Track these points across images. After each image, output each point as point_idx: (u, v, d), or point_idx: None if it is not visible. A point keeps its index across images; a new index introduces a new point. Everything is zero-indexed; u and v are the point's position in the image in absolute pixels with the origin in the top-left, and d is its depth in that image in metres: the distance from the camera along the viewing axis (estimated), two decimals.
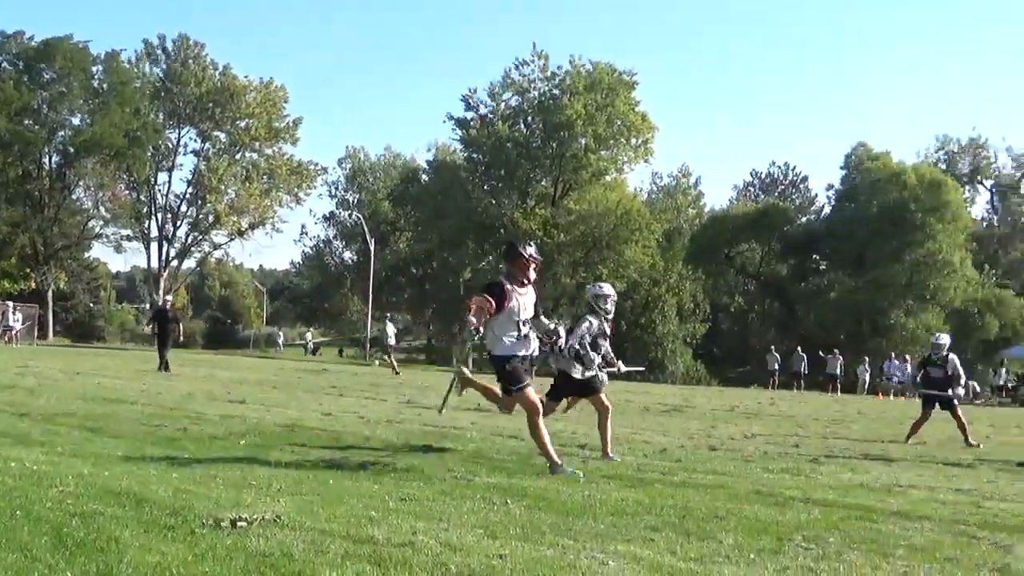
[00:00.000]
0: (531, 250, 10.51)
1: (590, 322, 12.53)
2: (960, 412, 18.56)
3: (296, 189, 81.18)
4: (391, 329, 40.15)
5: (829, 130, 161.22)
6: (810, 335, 62.42)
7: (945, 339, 19.50)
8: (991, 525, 8.30)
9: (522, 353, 10.40)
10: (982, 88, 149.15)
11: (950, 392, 18.62)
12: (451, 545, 6.09)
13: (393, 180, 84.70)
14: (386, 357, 39.95)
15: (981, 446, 17.71)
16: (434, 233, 71.90)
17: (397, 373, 36.64)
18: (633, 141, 68.52)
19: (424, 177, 79.06)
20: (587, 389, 12.49)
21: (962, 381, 19.19)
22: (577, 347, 12.19)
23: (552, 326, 11.21)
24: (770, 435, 17.65)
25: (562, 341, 11.66)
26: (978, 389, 48.00)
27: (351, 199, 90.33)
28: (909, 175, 66.07)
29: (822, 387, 48.58)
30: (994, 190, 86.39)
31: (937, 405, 18.55)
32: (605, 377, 12.52)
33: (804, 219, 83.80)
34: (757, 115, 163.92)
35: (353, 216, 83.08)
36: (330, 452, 11.32)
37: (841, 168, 73.36)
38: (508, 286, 10.24)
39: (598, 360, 12.38)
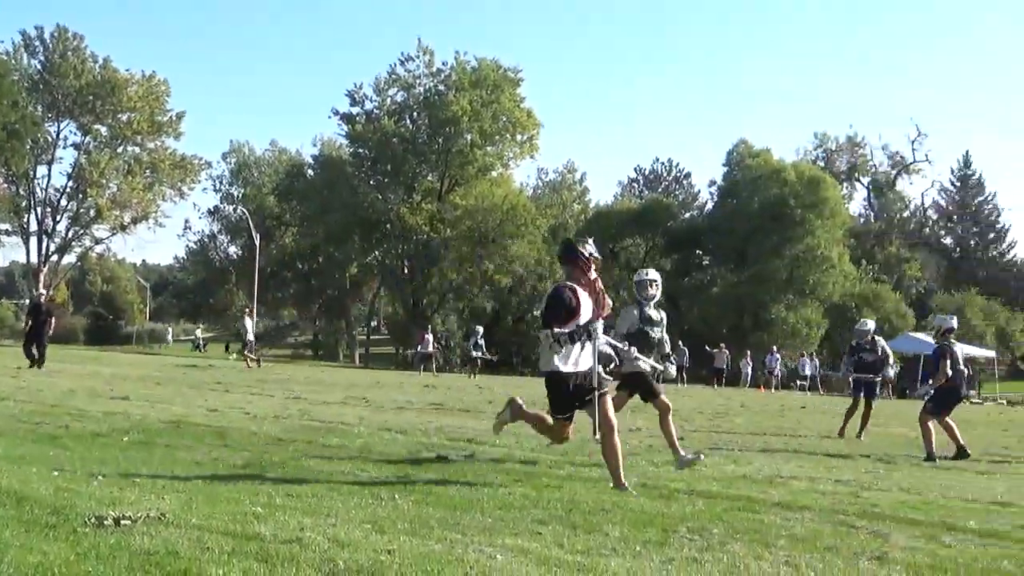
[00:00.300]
0: (590, 248, 9.38)
1: (631, 313, 12.25)
2: (874, 404, 19.29)
3: (180, 183, 79.76)
4: (250, 324, 39.72)
5: (711, 127, 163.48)
6: (694, 329, 63.24)
7: (870, 324, 20.01)
8: (869, 514, 8.50)
9: (583, 368, 9.13)
10: (859, 87, 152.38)
11: (880, 377, 19.37)
12: (339, 541, 6.06)
13: (279, 175, 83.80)
14: (245, 352, 39.31)
15: (865, 440, 18.22)
16: (320, 228, 71.42)
17: (250, 368, 36.20)
18: (519, 137, 68.83)
19: (310, 172, 78.38)
20: (645, 388, 12.20)
21: (891, 361, 20.00)
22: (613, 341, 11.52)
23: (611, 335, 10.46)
24: (654, 429, 17.82)
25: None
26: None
27: (236, 194, 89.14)
28: (789, 172, 67.15)
29: (705, 381, 49.19)
30: (870, 187, 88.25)
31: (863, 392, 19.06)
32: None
33: (687, 215, 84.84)
34: (641, 112, 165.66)
35: (238, 211, 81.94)
36: (216, 449, 11.17)
37: (723, 165, 74.39)
38: (578, 291, 9.12)
39: (635, 353, 11.50)
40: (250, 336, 39.23)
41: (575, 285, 9.13)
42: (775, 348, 52.03)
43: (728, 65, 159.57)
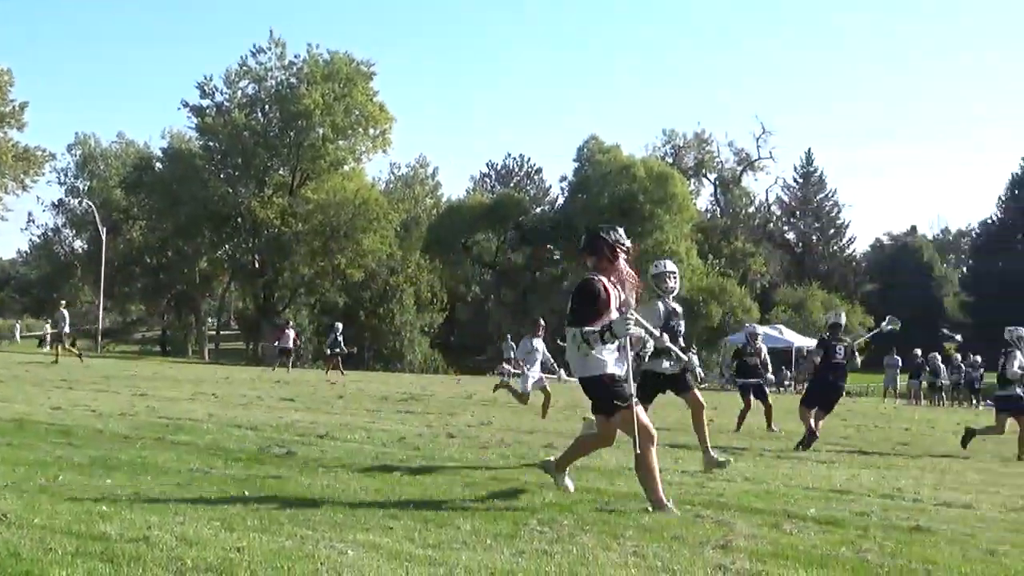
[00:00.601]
0: (616, 235, 8.64)
1: (656, 308, 11.84)
2: (770, 400, 20.42)
3: (22, 175, 77.44)
4: (65, 316, 38.77)
5: (562, 123, 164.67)
6: (545, 323, 63.58)
7: (761, 331, 20.49)
8: (714, 504, 8.69)
9: (621, 371, 8.41)
10: (706, 84, 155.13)
11: (763, 380, 20.00)
12: (187, 539, 6.00)
13: (126, 168, 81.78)
14: (59, 345, 38.39)
15: (781, 431, 19.15)
16: (169, 222, 69.99)
17: (56, 362, 35.49)
18: (371, 131, 68.41)
19: (158, 165, 76.65)
20: (677, 385, 11.93)
21: (768, 366, 21.17)
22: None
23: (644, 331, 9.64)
24: (506, 423, 17.95)
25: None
26: (703, 375, 49.87)
27: (81, 186, 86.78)
28: (638, 168, 68.02)
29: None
30: (717, 183, 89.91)
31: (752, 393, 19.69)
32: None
33: (539, 210, 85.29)
34: (493, 107, 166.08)
35: (83, 204, 79.91)
36: (60, 447, 10.91)
37: (574, 160, 74.99)
38: (607, 282, 8.42)
39: (667, 340, 11.29)
40: (66, 328, 38.30)
41: (604, 278, 8.40)
42: None
43: (579, 61, 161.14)
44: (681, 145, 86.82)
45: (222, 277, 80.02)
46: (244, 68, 67.95)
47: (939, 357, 43.59)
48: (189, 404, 18.10)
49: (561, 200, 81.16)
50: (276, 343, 46.29)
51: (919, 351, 43.97)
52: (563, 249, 73.09)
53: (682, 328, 12.04)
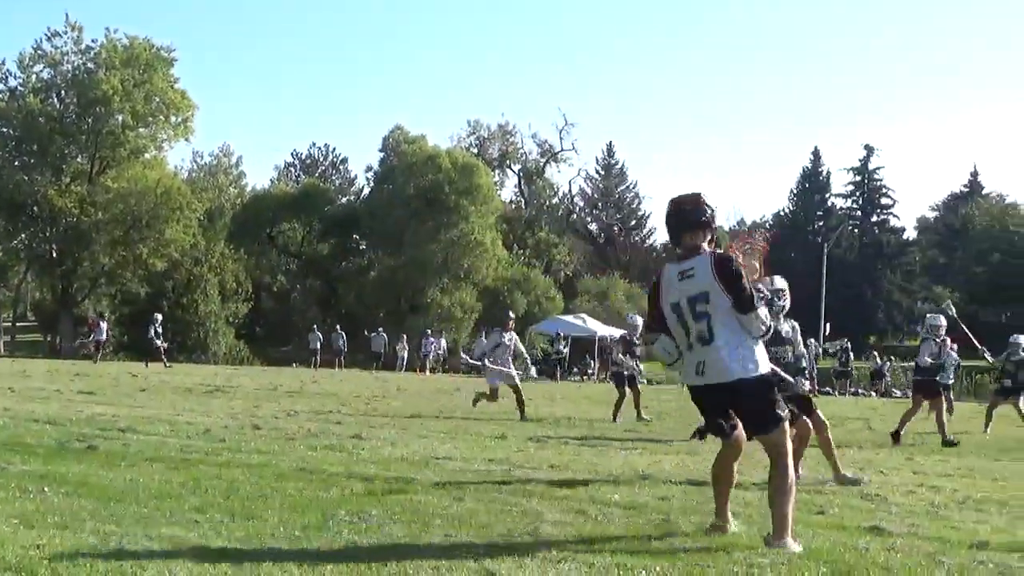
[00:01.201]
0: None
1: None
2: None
3: None
4: None
5: (367, 112, 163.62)
6: (351, 313, 63.43)
7: (638, 319, 20.88)
8: (521, 492, 8.83)
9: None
10: (510, 75, 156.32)
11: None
12: None
13: None
14: None
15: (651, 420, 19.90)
16: None
17: None
18: (173, 119, 66.91)
19: None
20: (802, 406, 10.83)
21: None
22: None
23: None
24: (313, 413, 17.85)
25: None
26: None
27: None
28: (443, 158, 68.14)
29: (363, 365, 49.43)
30: (521, 174, 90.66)
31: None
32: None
33: (344, 200, 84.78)
34: (297, 97, 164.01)
35: None
36: None
37: (379, 150, 74.68)
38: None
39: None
40: None
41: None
42: (430, 331, 52.90)
43: (384, 50, 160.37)
44: (486, 136, 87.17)
45: (17, 267, 77.22)
46: (38, 52, 65.57)
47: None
48: None
49: (367, 190, 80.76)
50: (91, 335, 45.04)
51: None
52: (369, 239, 72.81)
53: (790, 353, 10.97)
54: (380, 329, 51.15)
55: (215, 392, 23.15)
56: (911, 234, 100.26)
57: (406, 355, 51.68)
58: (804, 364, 11.43)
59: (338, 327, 51.82)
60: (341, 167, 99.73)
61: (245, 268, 68.49)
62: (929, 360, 17.42)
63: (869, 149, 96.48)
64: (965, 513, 8.82)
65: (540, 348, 57.16)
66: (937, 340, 17.69)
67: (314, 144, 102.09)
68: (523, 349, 19.58)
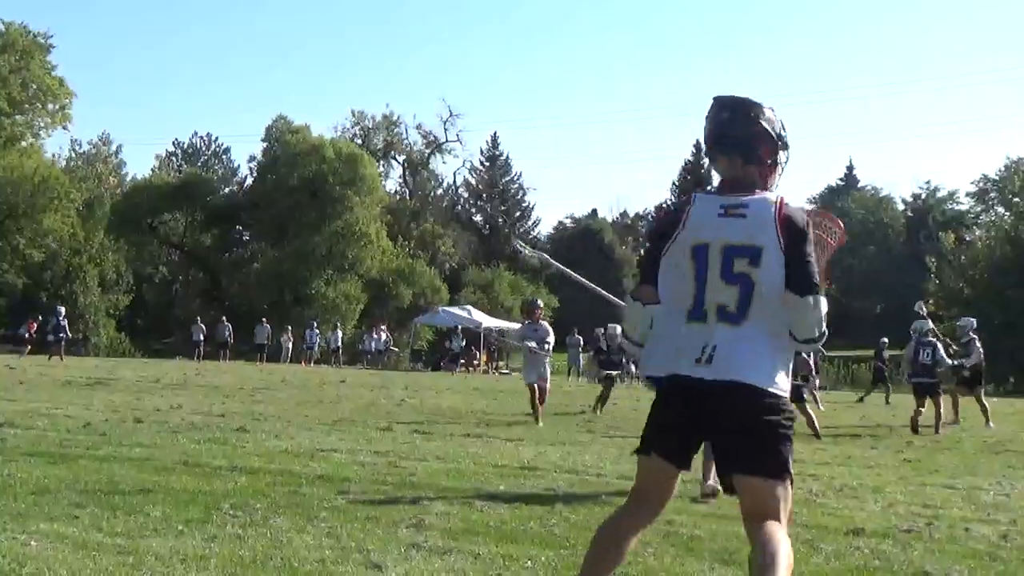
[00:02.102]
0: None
1: None
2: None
3: None
4: None
5: (249, 101, 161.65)
6: (235, 305, 62.77)
7: (617, 329, 21.79)
8: (407, 484, 8.88)
9: None
10: (394, 66, 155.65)
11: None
12: None
13: None
14: None
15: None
16: None
17: None
18: (50, 106, 65.62)
19: None
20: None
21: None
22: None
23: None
24: (197, 406, 17.65)
25: None
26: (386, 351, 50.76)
27: None
28: (328, 148, 67.66)
29: (248, 357, 48.97)
30: (406, 165, 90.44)
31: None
32: None
33: (227, 190, 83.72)
34: (178, 84, 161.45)
35: None
36: None
37: (262, 140, 73.90)
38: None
39: None
40: None
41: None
42: (315, 323, 52.62)
43: (267, 38, 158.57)
44: (370, 127, 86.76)
45: None
46: None
47: (617, 337, 45.26)
48: None
49: (250, 180, 79.88)
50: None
51: (600, 331, 45.56)
52: (252, 230, 72.11)
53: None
54: (264, 321, 50.70)
55: (96, 385, 22.74)
56: None
57: (291, 347, 51.32)
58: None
59: (224, 319, 51.26)
60: (224, 157, 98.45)
61: (126, 259, 67.45)
62: (951, 361, 19.03)
63: None
64: (842, 500, 9.06)
65: (425, 340, 57.16)
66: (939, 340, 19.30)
67: (196, 133, 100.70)
68: (552, 340, 18.11)
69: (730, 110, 4.67)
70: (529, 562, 5.94)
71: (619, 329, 21.92)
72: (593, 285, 8.71)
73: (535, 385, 17.56)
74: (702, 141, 4.84)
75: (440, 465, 10.42)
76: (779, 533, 4.31)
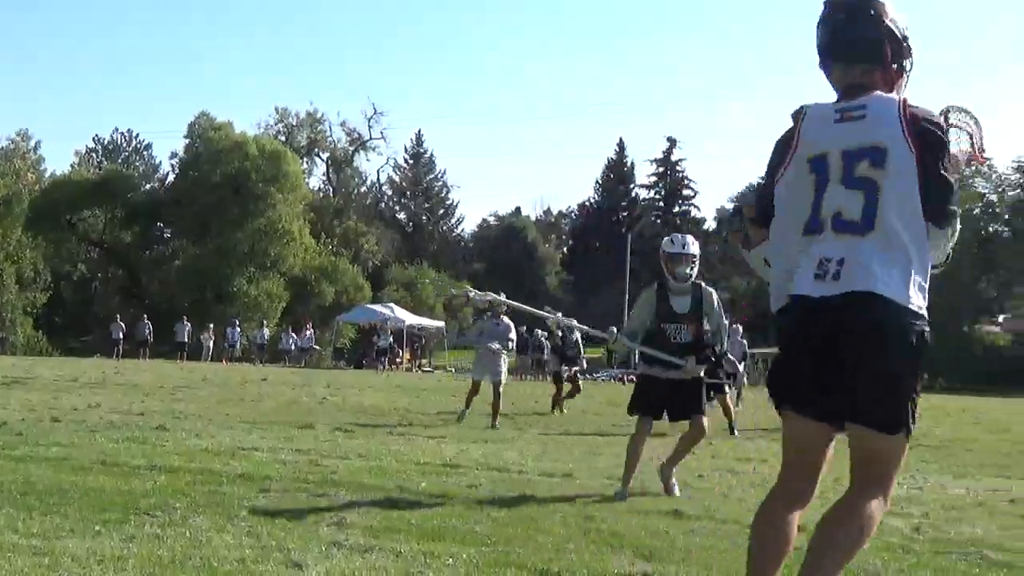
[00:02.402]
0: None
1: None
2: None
3: None
4: None
5: (173, 98, 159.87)
6: (155, 303, 62.16)
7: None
8: (328, 482, 8.84)
9: None
10: (319, 63, 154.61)
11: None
12: None
13: None
14: None
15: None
16: None
17: None
18: None
19: None
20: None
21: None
22: None
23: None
24: (115, 405, 17.45)
25: None
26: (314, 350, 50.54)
27: None
28: (251, 146, 67.25)
29: (168, 355, 48.55)
30: (329, 162, 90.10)
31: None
32: None
33: (148, 186, 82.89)
34: (98, 80, 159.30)
35: None
36: None
37: (185, 137, 73.20)
38: None
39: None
40: None
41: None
42: (237, 321, 52.32)
43: (189, 33, 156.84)
44: (294, 124, 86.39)
45: None
46: None
47: (543, 334, 45.46)
48: None
49: (172, 177, 79.10)
50: None
51: (524, 328, 45.75)
52: (174, 227, 71.43)
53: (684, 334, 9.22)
54: (185, 319, 50.27)
55: (12, 384, 22.39)
56: (711, 225, 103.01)
57: (212, 345, 50.95)
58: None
59: (144, 316, 50.76)
60: (145, 153, 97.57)
61: (44, 256, 66.57)
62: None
63: (672, 141, 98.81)
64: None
65: (348, 338, 57.01)
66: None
67: (117, 129, 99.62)
68: (513, 337, 17.52)
69: (848, 9, 4.10)
70: (451, 560, 5.93)
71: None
72: (556, 314, 9.07)
73: (481, 383, 17.24)
74: (816, 48, 4.18)
75: (362, 463, 10.40)
76: (873, 507, 3.87)
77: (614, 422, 17.77)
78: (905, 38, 4.07)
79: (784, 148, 4.11)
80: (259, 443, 11.86)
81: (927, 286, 3.84)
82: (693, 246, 9.42)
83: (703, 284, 9.53)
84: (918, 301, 3.78)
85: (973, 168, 4.94)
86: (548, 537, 6.72)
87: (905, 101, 3.92)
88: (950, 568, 6.40)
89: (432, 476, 9.55)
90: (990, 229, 61.26)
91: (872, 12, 4.02)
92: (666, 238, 9.77)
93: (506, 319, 17.40)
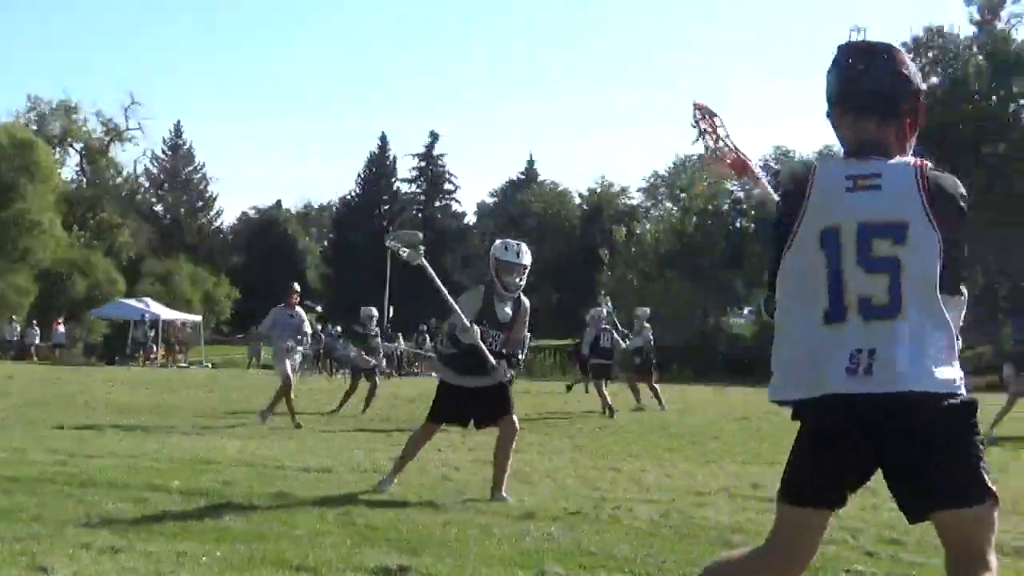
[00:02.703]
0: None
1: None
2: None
3: None
4: None
5: None
6: None
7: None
8: (78, 481, 8.69)
9: None
10: (71, 50, 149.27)
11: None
12: None
13: None
14: None
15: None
16: None
17: None
18: None
19: None
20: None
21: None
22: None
23: None
24: None
25: None
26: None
27: None
28: (1, 135, 64.96)
29: None
30: (84, 153, 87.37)
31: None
32: None
33: None
34: None
35: None
36: None
37: None
38: None
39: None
40: None
41: None
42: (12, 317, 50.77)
43: None
44: (46, 112, 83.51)
45: None
46: None
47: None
48: None
49: None
50: None
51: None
52: None
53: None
54: None
55: None
56: (472, 219, 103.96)
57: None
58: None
59: None
60: None
61: None
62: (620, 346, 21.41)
63: (434, 135, 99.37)
64: (515, 485, 9.38)
65: (100, 334, 55.47)
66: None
67: None
68: (308, 330, 16.80)
69: (867, 59, 3.80)
70: (204, 558, 5.93)
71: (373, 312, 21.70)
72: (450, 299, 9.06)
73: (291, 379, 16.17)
74: (826, 97, 3.87)
75: (113, 461, 10.24)
76: (991, 561, 3.57)
77: (371, 416, 17.93)
78: (920, 90, 3.85)
79: (792, 211, 3.76)
80: (3, 443, 11.53)
81: (957, 352, 3.65)
82: (526, 256, 9.16)
83: (522, 296, 9.36)
84: (954, 375, 3.57)
85: (730, 172, 5.08)
86: (304, 532, 6.79)
87: (923, 168, 3.65)
88: (693, 551, 6.68)
89: (185, 474, 9.48)
90: (738, 224, 63.50)
91: (891, 62, 3.79)
92: (499, 242, 9.42)
93: (300, 310, 16.62)
